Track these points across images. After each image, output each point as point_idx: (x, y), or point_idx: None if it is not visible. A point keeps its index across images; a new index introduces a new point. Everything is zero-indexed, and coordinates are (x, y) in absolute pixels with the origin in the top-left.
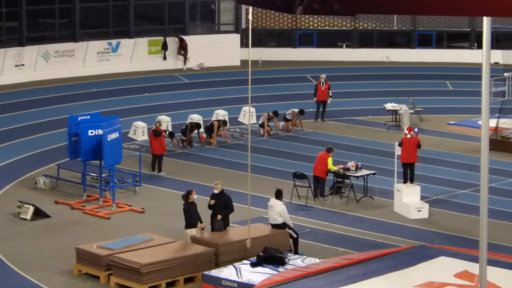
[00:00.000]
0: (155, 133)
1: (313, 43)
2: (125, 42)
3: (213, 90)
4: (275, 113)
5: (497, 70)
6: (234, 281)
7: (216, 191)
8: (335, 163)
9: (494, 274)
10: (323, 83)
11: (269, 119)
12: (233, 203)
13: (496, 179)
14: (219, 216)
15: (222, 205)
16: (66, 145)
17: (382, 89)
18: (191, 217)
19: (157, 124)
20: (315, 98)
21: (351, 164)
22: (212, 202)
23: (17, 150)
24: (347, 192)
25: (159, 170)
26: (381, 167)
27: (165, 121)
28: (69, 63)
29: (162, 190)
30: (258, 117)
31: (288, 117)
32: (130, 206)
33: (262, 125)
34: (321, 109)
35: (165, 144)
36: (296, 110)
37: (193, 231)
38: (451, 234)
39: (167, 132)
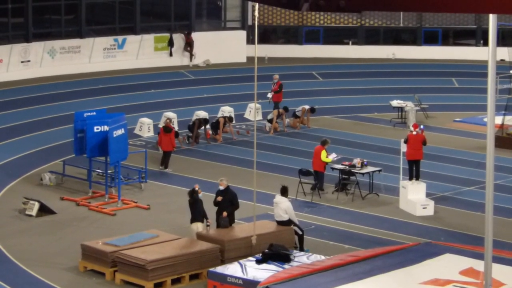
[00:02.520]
0: (166, 129)
1: (319, 40)
2: (131, 39)
3: (219, 87)
4: (285, 109)
5: (503, 67)
6: (239, 278)
7: (221, 188)
8: (341, 160)
9: (499, 271)
10: (274, 84)
11: (279, 115)
12: (239, 200)
13: (502, 176)
14: (225, 213)
15: (227, 202)
16: (72, 142)
17: (388, 86)
18: (198, 212)
19: (167, 120)
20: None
21: (356, 161)
22: (220, 198)
23: (23, 146)
24: (353, 189)
25: (166, 167)
26: (386, 164)
27: (171, 118)
28: (75, 59)
29: (168, 187)
30: (264, 114)
31: (298, 113)
32: (136, 202)
33: (270, 121)
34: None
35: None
36: (307, 107)
37: (199, 227)
38: (457, 231)
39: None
